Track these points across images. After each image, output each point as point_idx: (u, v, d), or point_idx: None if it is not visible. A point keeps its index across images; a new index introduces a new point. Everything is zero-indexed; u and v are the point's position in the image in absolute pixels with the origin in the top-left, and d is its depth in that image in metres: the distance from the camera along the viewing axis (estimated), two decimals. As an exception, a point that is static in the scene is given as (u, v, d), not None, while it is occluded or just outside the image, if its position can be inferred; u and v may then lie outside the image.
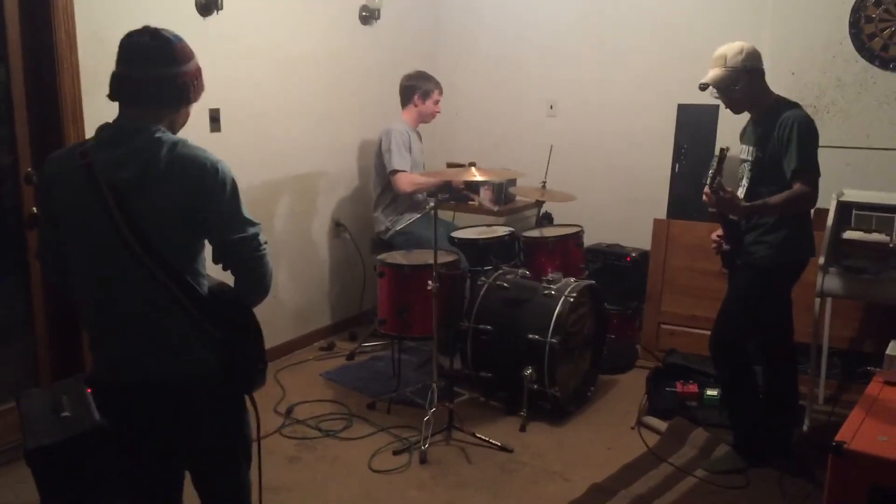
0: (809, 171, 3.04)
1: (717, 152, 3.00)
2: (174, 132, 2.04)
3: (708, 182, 3.01)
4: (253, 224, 2.05)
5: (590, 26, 5.14)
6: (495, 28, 5.51)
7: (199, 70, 2.06)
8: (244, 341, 2.10)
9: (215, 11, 3.95)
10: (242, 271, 2.07)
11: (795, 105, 3.17)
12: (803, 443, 3.56)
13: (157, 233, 1.94)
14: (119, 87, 1.99)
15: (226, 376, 2.08)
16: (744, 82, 3.15)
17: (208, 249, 2.07)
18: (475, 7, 5.57)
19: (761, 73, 3.19)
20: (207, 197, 1.96)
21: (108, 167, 1.93)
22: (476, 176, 3.71)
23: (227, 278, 2.12)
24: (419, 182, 4.55)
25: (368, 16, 5.04)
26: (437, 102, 4.74)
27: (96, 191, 1.92)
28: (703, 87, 3.23)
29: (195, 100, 2.07)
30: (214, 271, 2.12)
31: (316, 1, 4.67)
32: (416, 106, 4.73)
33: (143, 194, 1.92)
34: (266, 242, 2.08)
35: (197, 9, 3.90)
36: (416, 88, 4.71)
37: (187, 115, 2.11)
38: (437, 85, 4.74)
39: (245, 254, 2.03)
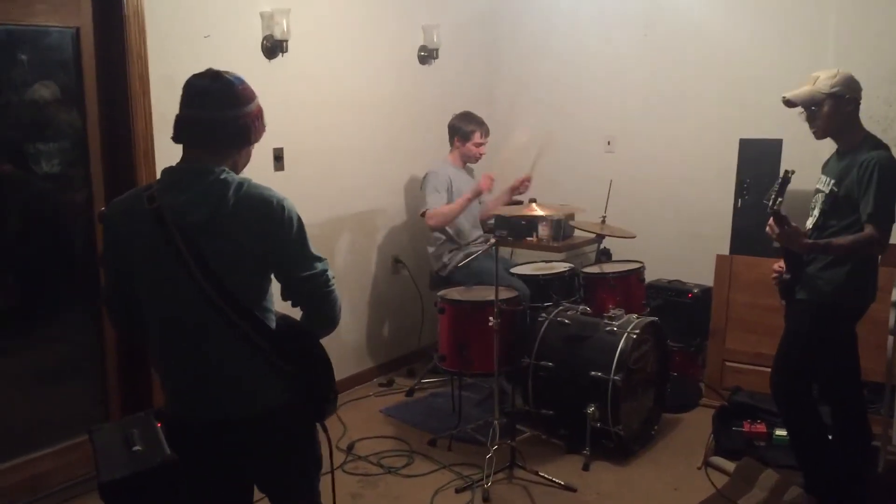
0: (884, 218, 2.96)
1: (781, 174, 2.95)
2: (237, 172, 2.06)
3: (769, 204, 2.96)
4: (320, 260, 2.07)
5: (648, 62, 5.14)
6: (552, 65, 5.55)
7: (260, 111, 2.08)
8: (315, 374, 2.13)
9: (280, 54, 4.07)
10: (312, 307, 2.09)
11: (883, 146, 3.07)
12: (877, 485, 3.43)
13: (227, 273, 1.97)
14: (183, 130, 2.02)
15: (297, 408, 2.11)
16: (829, 107, 3.06)
17: (275, 284, 2.10)
18: (532, 45, 5.62)
19: (851, 102, 3.06)
20: (275, 235, 1.99)
21: (176, 211, 1.95)
22: (536, 210, 3.71)
23: (287, 308, 2.15)
24: (442, 213, 4.54)
25: (427, 56, 5.12)
26: (478, 145, 4.72)
27: (166, 234, 1.94)
28: (786, 102, 3.14)
29: (256, 140, 2.09)
30: (277, 303, 2.15)
31: (376, 42, 4.77)
32: (457, 147, 4.77)
33: (213, 236, 1.95)
34: (334, 277, 2.10)
35: (263, 52, 4.02)
36: (457, 130, 4.74)
37: (249, 155, 2.13)
38: (480, 126, 4.73)
39: (314, 290, 2.06)
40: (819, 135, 3.17)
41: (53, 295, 3.56)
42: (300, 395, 2.10)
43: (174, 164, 2.06)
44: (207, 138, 2.00)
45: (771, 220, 3.00)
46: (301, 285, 2.05)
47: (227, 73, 2.03)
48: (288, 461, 2.17)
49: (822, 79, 3.07)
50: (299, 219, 2.04)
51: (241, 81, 2.04)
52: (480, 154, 4.78)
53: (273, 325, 2.09)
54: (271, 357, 2.03)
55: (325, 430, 2.21)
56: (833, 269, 3.08)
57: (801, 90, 3.11)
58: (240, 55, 3.87)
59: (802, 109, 3.13)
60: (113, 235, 2.07)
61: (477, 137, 4.72)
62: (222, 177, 1.97)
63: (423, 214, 4.62)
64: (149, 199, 1.98)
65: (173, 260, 1.95)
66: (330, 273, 2.09)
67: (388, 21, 4.85)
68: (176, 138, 2.04)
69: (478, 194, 4.62)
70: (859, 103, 3.10)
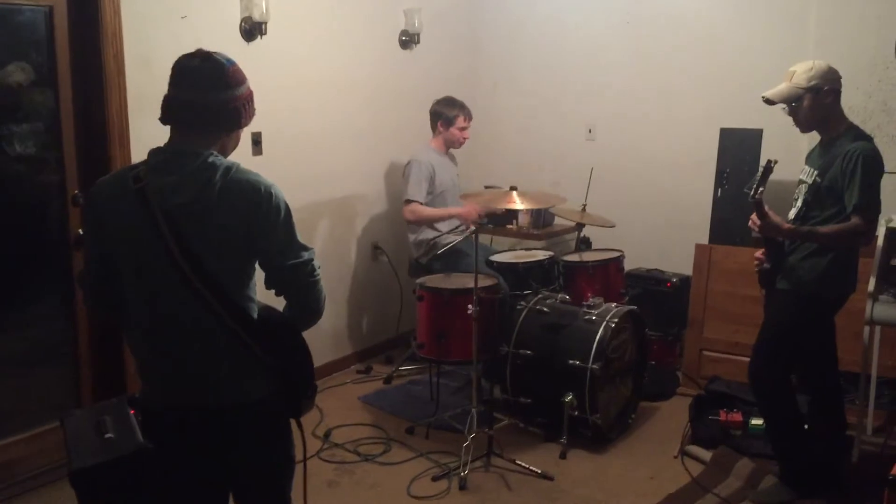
0: (870, 209, 2.97)
1: (763, 164, 2.95)
2: (225, 156, 2.01)
3: (751, 193, 2.95)
4: (306, 249, 2.03)
5: (630, 50, 5.12)
6: (533, 52, 5.52)
7: (251, 94, 2.04)
8: (294, 367, 2.09)
9: (259, 37, 4.02)
10: (296, 297, 2.06)
11: (866, 136, 3.07)
12: (852, 474, 3.46)
13: (210, 258, 1.92)
14: (171, 111, 1.97)
15: (275, 402, 2.06)
16: (809, 101, 3.06)
17: (259, 274, 2.06)
18: (514, 31, 5.58)
19: (830, 93, 3.05)
20: (262, 222, 1.95)
21: (161, 192, 1.91)
22: (516, 201, 3.69)
23: (270, 298, 2.11)
24: (422, 214, 4.56)
25: (408, 40, 5.07)
26: (462, 129, 4.70)
27: (149, 216, 1.90)
28: (767, 101, 3.14)
29: (246, 124, 2.05)
30: (261, 293, 2.11)
31: (357, 26, 4.72)
32: (440, 133, 4.74)
33: (197, 219, 1.91)
34: (319, 267, 2.06)
35: (241, 34, 3.97)
36: (440, 115, 4.70)
37: (238, 140, 2.09)
38: (463, 110, 4.70)
39: (300, 280, 2.02)
40: (803, 128, 3.18)
41: (25, 279, 3.49)
42: (278, 389, 2.06)
43: (152, 145, 2.01)
44: (196, 120, 1.95)
45: (753, 216, 3.01)
46: (286, 274, 2.01)
47: (217, 54, 1.99)
48: (260, 458, 2.12)
49: (799, 73, 3.07)
50: (287, 206, 2.00)
51: (232, 63, 2.00)
52: (464, 138, 4.75)
53: (255, 314, 2.04)
54: (251, 347, 1.99)
55: (300, 426, 2.17)
56: (814, 258, 3.09)
57: (779, 88, 3.12)
58: (218, 37, 3.81)
59: (784, 105, 3.13)
60: (95, 215, 2.02)
61: (460, 122, 4.68)
62: (210, 160, 1.93)
63: (405, 202, 4.59)
64: (134, 179, 1.94)
65: (155, 242, 1.91)
66: (316, 263, 2.05)
67: (368, 5, 4.79)
68: (163, 119, 1.99)
69: (461, 218, 4.58)
70: (840, 93, 3.10)
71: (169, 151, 1.97)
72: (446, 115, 4.68)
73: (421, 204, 4.56)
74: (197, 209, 1.91)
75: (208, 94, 1.94)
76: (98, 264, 2.06)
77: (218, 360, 2.00)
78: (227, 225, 1.92)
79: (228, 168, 1.95)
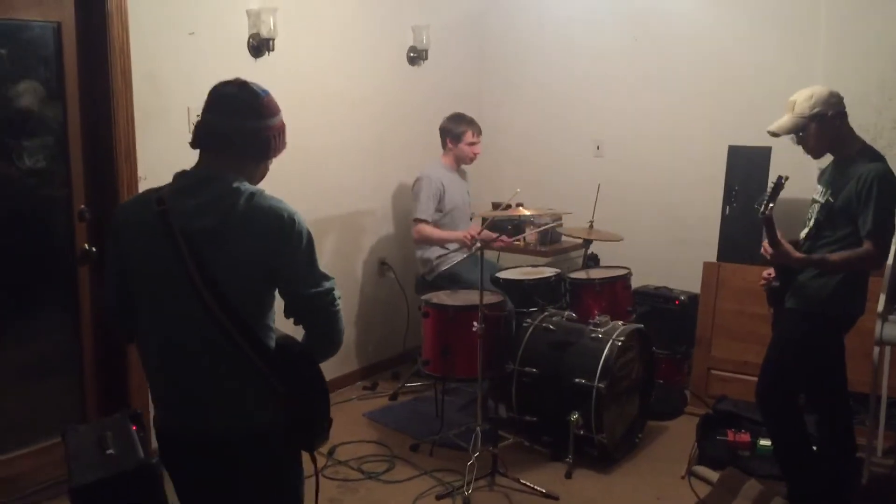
0: (883, 236, 2.94)
1: (773, 180, 2.93)
2: (252, 185, 2.01)
3: (760, 209, 2.93)
4: (328, 278, 2.01)
5: (638, 67, 5.12)
6: (541, 69, 5.52)
7: (283, 126, 2.04)
8: (310, 398, 2.04)
9: (267, 53, 4.03)
10: (315, 326, 2.03)
11: (880, 158, 3.04)
12: (862, 496, 3.41)
13: (230, 283, 1.90)
14: (202, 136, 1.98)
15: (287, 433, 2.02)
16: (815, 129, 3.04)
17: (278, 303, 2.03)
18: (521, 48, 5.59)
19: (836, 117, 3.04)
20: (283, 249, 1.93)
21: (184, 215, 1.89)
22: (524, 212, 3.68)
23: (288, 326, 2.09)
24: (427, 235, 4.53)
25: (416, 56, 5.08)
26: (471, 144, 4.67)
27: (170, 238, 1.88)
28: (773, 135, 3.14)
29: (276, 155, 2.05)
30: (281, 323, 2.08)
31: (365, 43, 4.74)
32: (450, 149, 4.73)
33: (219, 244, 1.89)
34: (340, 297, 2.04)
35: (249, 50, 3.98)
36: (448, 132, 4.69)
37: (265, 171, 2.08)
38: (472, 126, 4.68)
39: (319, 309, 2.00)
40: (815, 154, 3.16)
41: (31, 292, 3.50)
42: (292, 420, 2.01)
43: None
44: (226, 146, 1.96)
45: (765, 243, 2.99)
46: (306, 302, 1.99)
47: (253, 84, 2.00)
48: (267, 490, 2.06)
49: (800, 103, 3.05)
50: (309, 234, 1.98)
51: (267, 94, 2.01)
52: (474, 154, 4.73)
53: (273, 343, 2.02)
54: (266, 376, 1.95)
55: (313, 459, 2.13)
56: (823, 278, 3.07)
57: (783, 120, 3.11)
58: (225, 53, 3.82)
59: (792, 136, 3.11)
60: (117, 237, 2.01)
61: (469, 137, 4.67)
62: (234, 185, 1.92)
63: (413, 221, 4.58)
64: (157, 202, 1.93)
65: (175, 265, 1.88)
66: (336, 293, 2.03)
67: (377, 21, 4.81)
68: (194, 143, 1.99)
69: (462, 243, 4.47)
70: (846, 114, 3.08)
71: (195, 175, 1.97)
72: (454, 131, 4.67)
73: (428, 223, 4.54)
74: (219, 233, 1.89)
75: (240, 122, 1.95)
76: (118, 286, 2.04)
77: (231, 387, 1.97)
78: (248, 250, 1.90)
79: (252, 194, 1.93)
